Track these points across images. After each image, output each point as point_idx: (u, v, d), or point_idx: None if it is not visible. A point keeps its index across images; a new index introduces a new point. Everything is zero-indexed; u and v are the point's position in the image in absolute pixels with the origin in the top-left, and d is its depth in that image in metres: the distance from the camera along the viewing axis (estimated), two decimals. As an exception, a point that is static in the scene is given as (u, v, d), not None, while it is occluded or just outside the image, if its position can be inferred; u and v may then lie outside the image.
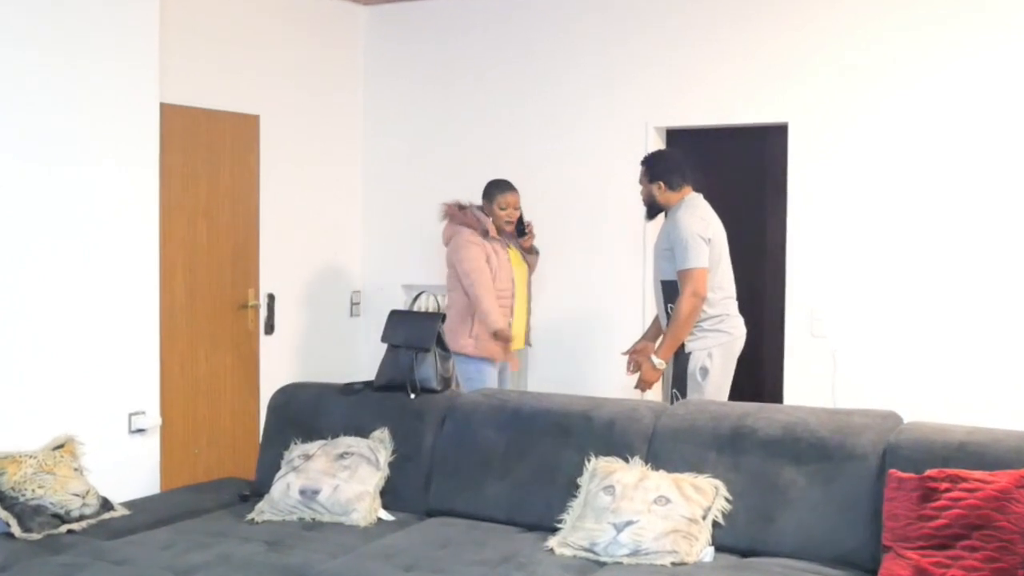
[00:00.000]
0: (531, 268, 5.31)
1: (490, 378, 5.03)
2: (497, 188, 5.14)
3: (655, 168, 4.72)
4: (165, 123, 4.73)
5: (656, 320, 4.89)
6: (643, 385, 4.65)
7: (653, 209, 4.80)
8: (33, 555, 3.41)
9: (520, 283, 5.17)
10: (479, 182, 5.24)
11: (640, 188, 4.80)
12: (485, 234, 5.05)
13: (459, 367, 5.05)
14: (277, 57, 5.78)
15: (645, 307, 5.59)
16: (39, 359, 4.11)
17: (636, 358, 4.71)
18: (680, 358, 4.58)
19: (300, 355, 5.94)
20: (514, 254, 5.17)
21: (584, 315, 5.85)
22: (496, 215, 5.10)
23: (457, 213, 5.12)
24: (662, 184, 4.68)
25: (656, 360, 4.56)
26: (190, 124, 5.20)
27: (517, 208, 5.15)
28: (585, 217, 5.83)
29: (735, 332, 4.64)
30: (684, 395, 4.50)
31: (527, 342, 5.33)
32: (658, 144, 5.68)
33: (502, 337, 4.96)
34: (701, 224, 4.55)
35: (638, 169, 4.83)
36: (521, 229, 5.20)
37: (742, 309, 4.73)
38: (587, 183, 5.83)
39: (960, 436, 3.28)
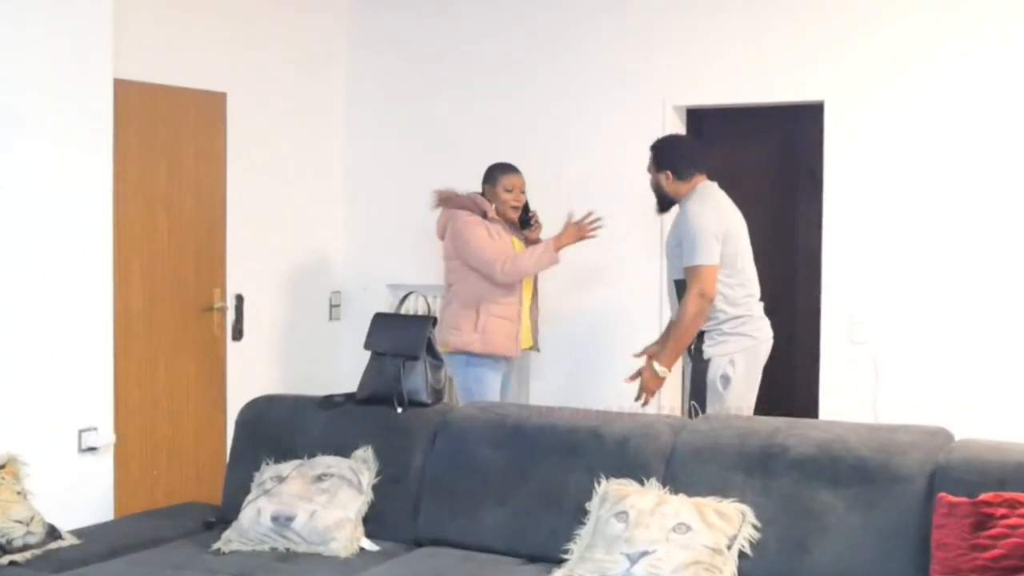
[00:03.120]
0: None
1: (491, 387, 5.02)
2: (501, 170, 5.14)
3: (662, 155, 4.74)
4: (119, 101, 4.72)
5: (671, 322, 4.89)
6: (644, 395, 4.65)
7: (664, 201, 4.82)
8: (-30, 590, 3.41)
9: (527, 279, 5.16)
10: (474, 170, 5.23)
11: (649, 177, 4.81)
12: (484, 216, 5.05)
13: (459, 373, 5.05)
14: (247, 27, 5.78)
15: (663, 308, 5.58)
16: (-23, 368, 4.11)
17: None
18: (698, 365, 4.58)
19: (272, 364, 5.94)
20: (519, 247, 5.17)
21: (594, 319, 5.85)
22: (501, 199, 5.10)
23: (452, 197, 5.13)
24: (670, 173, 4.70)
25: (658, 367, 4.56)
26: (148, 103, 5.20)
27: (523, 192, 5.15)
28: (595, 208, 5.80)
29: (760, 336, 4.64)
30: (703, 407, 4.51)
31: (535, 346, 5.33)
32: (677, 125, 5.69)
33: (568, 237, 4.93)
34: (713, 216, 4.56)
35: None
36: (526, 219, 5.19)
37: (771, 311, 4.73)
38: (597, 169, 5.83)
39: (1018, 455, 3.28)
